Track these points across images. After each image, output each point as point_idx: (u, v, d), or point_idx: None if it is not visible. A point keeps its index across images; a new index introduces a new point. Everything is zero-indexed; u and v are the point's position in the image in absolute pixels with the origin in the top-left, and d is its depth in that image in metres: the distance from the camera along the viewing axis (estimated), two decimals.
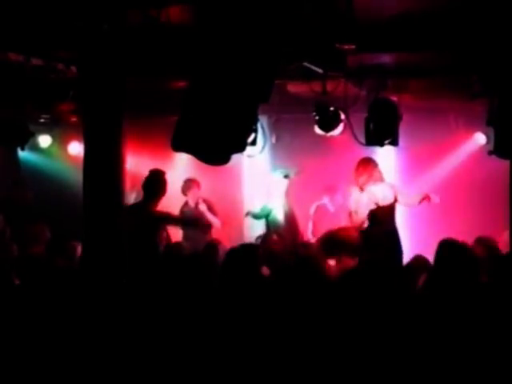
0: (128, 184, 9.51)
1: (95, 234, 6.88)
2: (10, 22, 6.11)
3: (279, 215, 8.84)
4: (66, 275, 5.81)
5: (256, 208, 9.55)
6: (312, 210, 9.86)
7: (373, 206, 8.24)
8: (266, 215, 9.12)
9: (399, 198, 8.49)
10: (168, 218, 8.06)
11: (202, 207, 9.22)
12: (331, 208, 9.83)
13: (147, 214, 7.69)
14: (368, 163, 8.41)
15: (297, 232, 8.97)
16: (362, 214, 8.22)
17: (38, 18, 6.10)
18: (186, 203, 9.64)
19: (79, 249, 7.11)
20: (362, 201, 8.23)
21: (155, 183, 7.83)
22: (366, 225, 8.30)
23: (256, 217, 9.37)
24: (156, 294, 5.25)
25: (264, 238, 8.15)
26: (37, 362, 4.87)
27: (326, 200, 9.85)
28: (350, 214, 8.41)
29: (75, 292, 5.43)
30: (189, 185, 9.61)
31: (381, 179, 8.39)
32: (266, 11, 4.44)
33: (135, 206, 7.99)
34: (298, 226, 9.16)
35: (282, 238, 7.98)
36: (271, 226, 8.66)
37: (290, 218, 8.65)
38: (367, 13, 5.94)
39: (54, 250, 7.45)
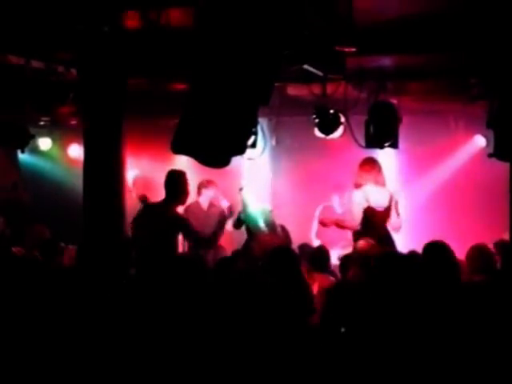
0: (139, 192, 9.36)
1: (95, 236, 6.89)
2: (11, 24, 6.12)
3: (259, 222, 8.71)
4: (64, 276, 5.80)
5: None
6: (318, 210, 9.75)
7: (363, 206, 8.12)
8: (241, 224, 8.97)
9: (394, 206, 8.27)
10: (185, 229, 7.69)
11: (225, 204, 8.64)
12: (339, 209, 9.63)
13: (167, 216, 7.52)
14: (375, 164, 8.22)
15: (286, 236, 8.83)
16: (357, 214, 8.12)
17: (39, 21, 6.11)
18: (197, 202, 9.08)
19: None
20: (355, 201, 8.13)
21: (176, 183, 7.61)
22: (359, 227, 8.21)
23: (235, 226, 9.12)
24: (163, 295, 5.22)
25: (244, 245, 8.11)
26: (36, 363, 4.86)
27: (335, 200, 9.69)
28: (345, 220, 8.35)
29: (74, 293, 5.42)
30: (206, 185, 9.17)
31: (382, 184, 8.25)
32: (266, 14, 4.44)
33: (155, 205, 7.76)
34: (285, 230, 8.99)
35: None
36: (252, 232, 8.57)
37: (272, 225, 8.55)
38: (367, 16, 5.96)
39: (52, 252, 7.45)
